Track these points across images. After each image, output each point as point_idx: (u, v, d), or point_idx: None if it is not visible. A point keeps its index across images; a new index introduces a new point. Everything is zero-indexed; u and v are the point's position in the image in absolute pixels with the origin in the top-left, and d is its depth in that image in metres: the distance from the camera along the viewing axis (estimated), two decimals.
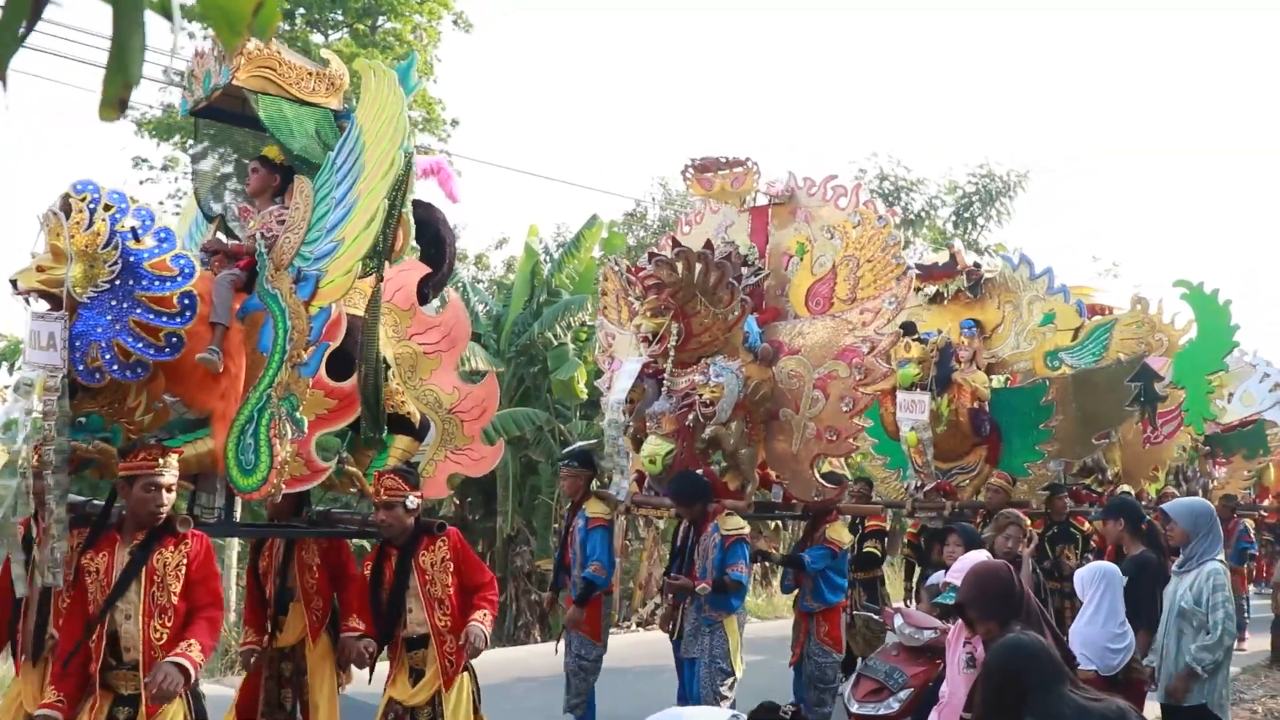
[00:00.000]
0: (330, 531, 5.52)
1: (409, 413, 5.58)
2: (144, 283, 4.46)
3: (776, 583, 12.53)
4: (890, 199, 21.09)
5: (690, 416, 6.68)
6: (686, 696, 6.44)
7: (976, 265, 9.64)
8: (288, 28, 16.41)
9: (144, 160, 17.26)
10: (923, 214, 21.69)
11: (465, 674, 4.95)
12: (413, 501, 4.94)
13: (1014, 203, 21.72)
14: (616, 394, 6.85)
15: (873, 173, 21.56)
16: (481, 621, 4.83)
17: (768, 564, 7.82)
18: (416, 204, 5.45)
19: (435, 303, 6.01)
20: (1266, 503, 13.99)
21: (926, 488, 8.37)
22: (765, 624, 13.62)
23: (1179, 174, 62.87)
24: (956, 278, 9.35)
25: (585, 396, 14.25)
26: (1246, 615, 12.25)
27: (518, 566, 14.56)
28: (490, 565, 15.01)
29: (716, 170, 7.56)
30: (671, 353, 6.64)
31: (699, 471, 6.74)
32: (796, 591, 7.54)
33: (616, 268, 7.58)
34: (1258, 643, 12.02)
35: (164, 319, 4.48)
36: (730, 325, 6.80)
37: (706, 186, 7.65)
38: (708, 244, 6.97)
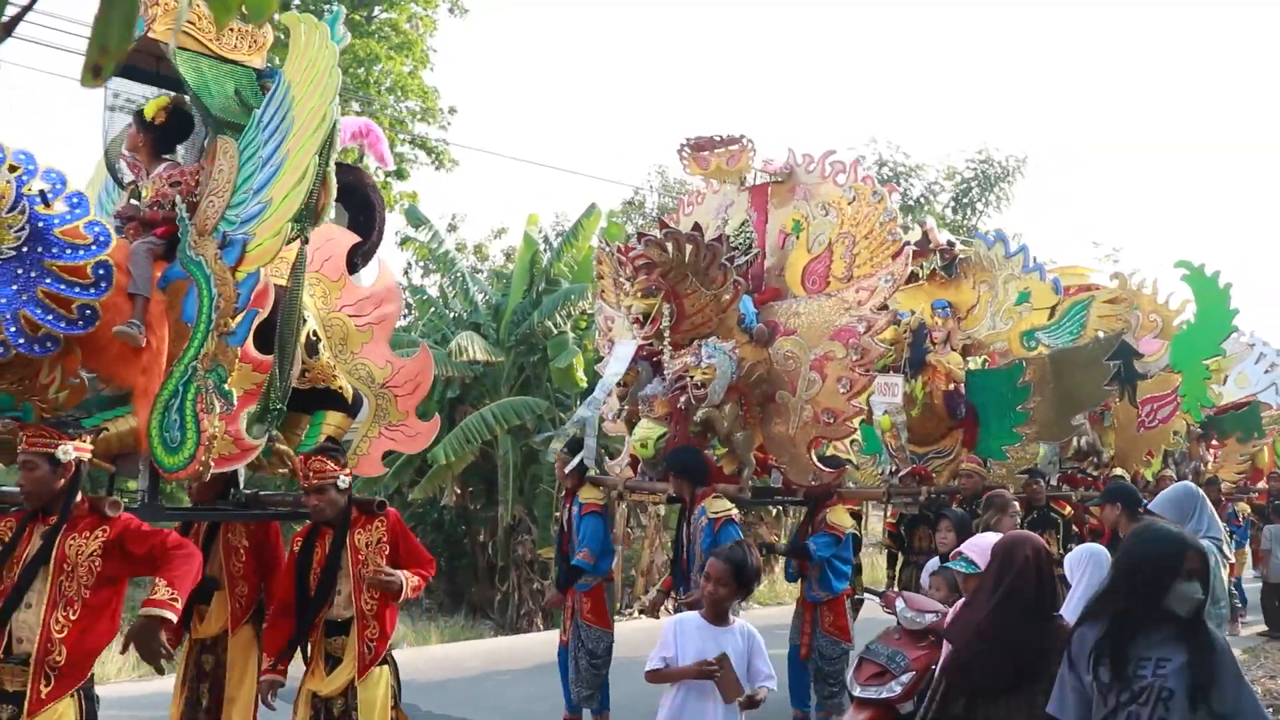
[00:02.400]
0: (261, 515, 5.25)
1: (340, 387, 5.30)
2: (54, 250, 4.17)
3: (779, 569, 12.48)
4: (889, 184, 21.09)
5: (683, 399, 6.56)
6: None
7: (950, 244, 9.48)
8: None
9: None
10: (922, 200, 21.73)
11: (385, 666, 4.62)
12: (344, 481, 4.62)
13: (1013, 188, 21.79)
14: (609, 376, 6.79)
15: (872, 158, 21.65)
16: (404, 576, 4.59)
17: (772, 555, 7.66)
18: (343, 168, 5.16)
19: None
20: (1261, 484, 13.88)
21: (901, 472, 8.26)
22: (767, 610, 13.63)
23: (1179, 164, 62.85)
24: (930, 257, 9.17)
25: (585, 385, 14.25)
26: (1238, 600, 12.20)
27: (519, 555, 14.58)
28: (492, 554, 15.08)
29: (712, 149, 7.49)
30: (666, 334, 6.58)
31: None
32: (801, 580, 7.31)
33: (608, 249, 7.53)
34: (1256, 625, 12.05)
35: (76, 289, 4.19)
36: (724, 306, 6.73)
37: (703, 165, 7.58)
38: (696, 226, 6.89)
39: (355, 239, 5.43)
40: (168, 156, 5.02)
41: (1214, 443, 12.94)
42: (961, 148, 28.18)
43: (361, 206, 5.44)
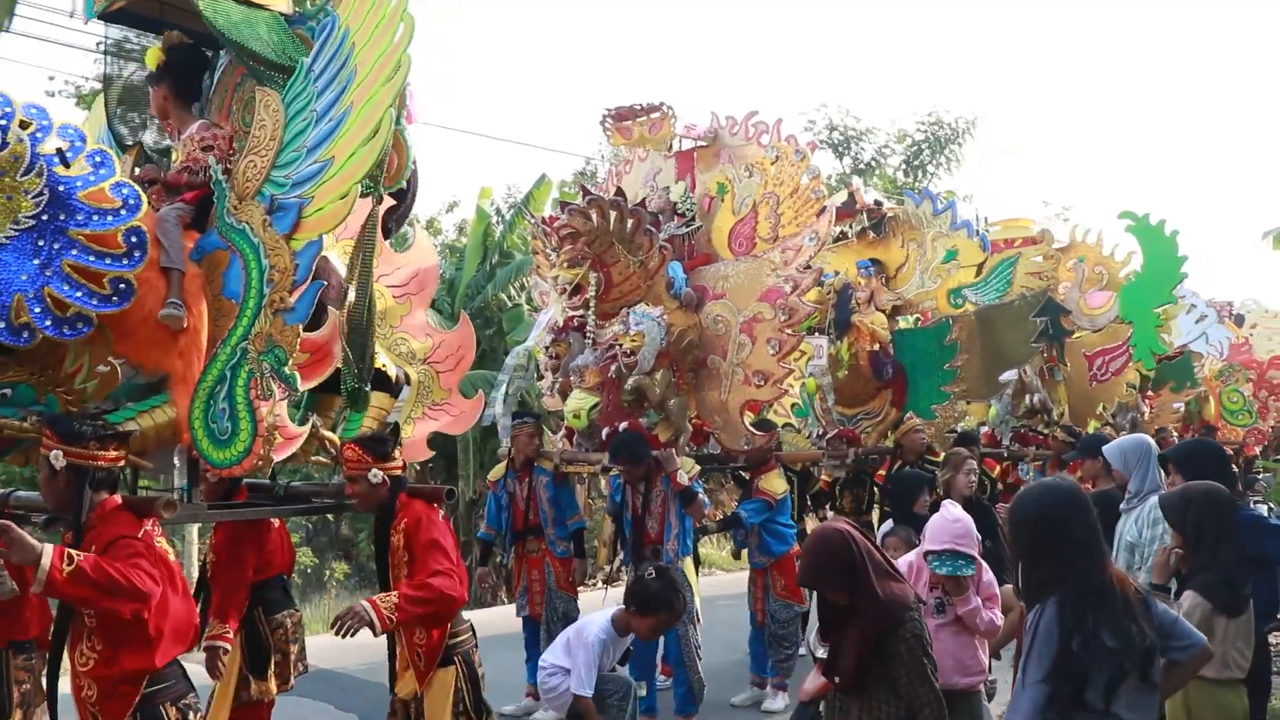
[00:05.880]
0: (305, 509, 4.84)
1: (382, 365, 4.87)
2: (79, 217, 3.63)
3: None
4: (840, 149, 21.16)
5: (613, 368, 6.55)
6: (668, 658, 6.46)
7: (877, 204, 9.42)
8: None
9: None
10: (873, 163, 21.75)
11: (450, 668, 4.19)
12: (376, 475, 4.18)
13: (963, 150, 21.84)
14: (527, 342, 6.79)
15: (822, 123, 21.68)
16: (377, 602, 3.89)
17: (707, 536, 7.75)
18: None
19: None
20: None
21: (829, 435, 8.26)
22: (736, 575, 13.66)
23: (1129, 121, 63.19)
24: (858, 217, 9.09)
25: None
26: None
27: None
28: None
29: (634, 119, 7.44)
30: (592, 303, 6.52)
31: (626, 424, 6.60)
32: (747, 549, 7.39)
33: (534, 221, 7.50)
34: None
35: (107, 261, 3.64)
36: (651, 273, 6.69)
37: (626, 135, 7.53)
38: (619, 192, 6.85)
39: (390, 202, 4.77)
40: (200, 117, 4.46)
41: (1149, 393, 13.00)
42: (912, 110, 28.11)
43: None
